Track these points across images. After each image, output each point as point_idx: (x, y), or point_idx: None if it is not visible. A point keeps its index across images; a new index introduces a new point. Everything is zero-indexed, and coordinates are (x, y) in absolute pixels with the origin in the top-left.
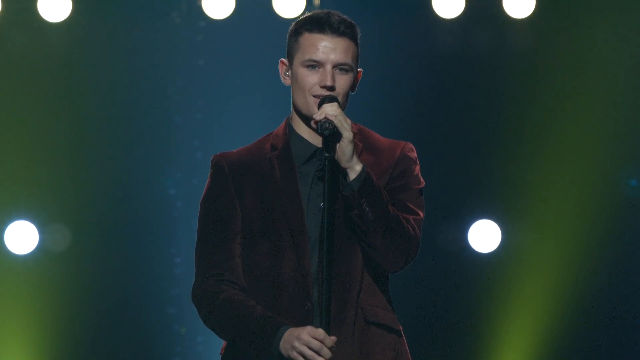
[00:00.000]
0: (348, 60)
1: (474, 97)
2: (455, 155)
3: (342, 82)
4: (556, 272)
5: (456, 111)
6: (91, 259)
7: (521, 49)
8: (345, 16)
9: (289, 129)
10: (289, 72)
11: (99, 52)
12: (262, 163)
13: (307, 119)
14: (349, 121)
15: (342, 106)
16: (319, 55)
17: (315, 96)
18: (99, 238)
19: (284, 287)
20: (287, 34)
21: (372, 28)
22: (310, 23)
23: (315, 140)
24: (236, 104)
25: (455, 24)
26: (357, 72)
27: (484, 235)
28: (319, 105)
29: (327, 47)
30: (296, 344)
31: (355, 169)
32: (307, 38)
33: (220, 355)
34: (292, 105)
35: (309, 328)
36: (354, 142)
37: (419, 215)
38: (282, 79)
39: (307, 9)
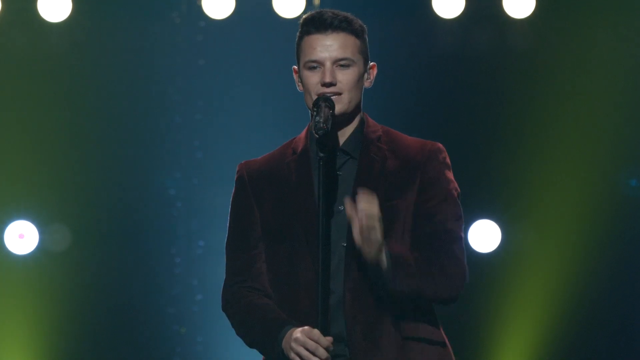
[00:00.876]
0: (347, 54)
1: (474, 97)
2: (455, 155)
3: (345, 77)
4: (556, 272)
5: (456, 111)
6: (91, 259)
7: (521, 49)
8: (342, 12)
9: (310, 132)
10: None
11: (99, 52)
12: (280, 168)
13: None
14: (378, 236)
15: (351, 100)
16: (317, 55)
17: (318, 95)
18: (99, 238)
19: (303, 290)
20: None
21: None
22: (305, 25)
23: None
24: (236, 104)
25: (455, 24)
26: (368, 64)
27: (484, 235)
28: (313, 105)
29: (324, 45)
30: (293, 344)
31: (382, 265)
32: (306, 41)
33: None
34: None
35: (306, 328)
36: (380, 247)
37: (459, 234)
38: (297, 86)
39: (307, 9)
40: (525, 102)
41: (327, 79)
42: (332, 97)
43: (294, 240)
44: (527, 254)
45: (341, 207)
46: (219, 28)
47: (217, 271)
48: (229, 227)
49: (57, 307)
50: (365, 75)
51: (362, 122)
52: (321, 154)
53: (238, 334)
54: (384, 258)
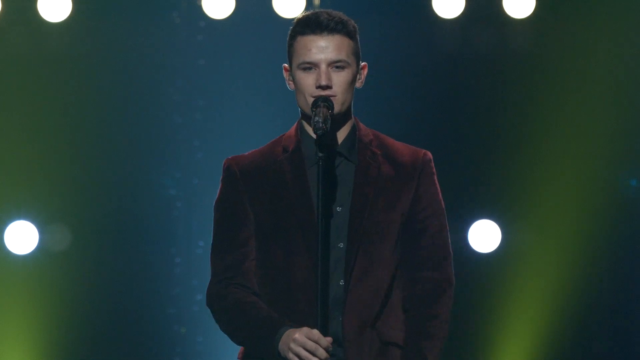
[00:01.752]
0: (342, 56)
1: (474, 97)
2: (455, 155)
3: (339, 79)
4: (556, 272)
5: (456, 111)
6: (91, 259)
7: (521, 49)
8: (336, 13)
9: (301, 130)
10: (291, 76)
11: (99, 52)
12: (273, 165)
13: (311, 121)
14: None
15: (344, 102)
16: (312, 57)
17: (313, 97)
18: (99, 238)
19: (299, 288)
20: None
21: (372, 28)
22: (300, 25)
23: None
24: (236, 104)
25: (455, 24)
26: (360, 66)
27: (484, 235)
28: (312, 106)
29: (320, 47)
30: (292, 345)
31: None
32: (300, 41)
33: None
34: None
35: (305, 329)
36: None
37: (448, 246)
38: (287, 84)
39: (307, 9)
40: (525, 102)
41: (324, 82)
42: None
43: (290, 237)
44: (527, 254)
45: (339, 208)
46: (219, 28)
47: None
48: (216, 222)
49: (57, 307)
50: (357, 75)
51: (354, 125)
52: (320, 154)
53: (224, 330)
54: None
